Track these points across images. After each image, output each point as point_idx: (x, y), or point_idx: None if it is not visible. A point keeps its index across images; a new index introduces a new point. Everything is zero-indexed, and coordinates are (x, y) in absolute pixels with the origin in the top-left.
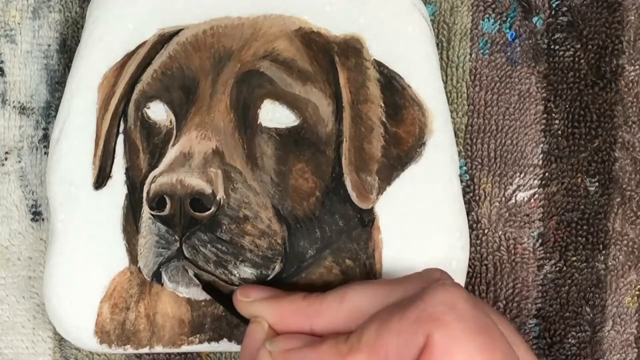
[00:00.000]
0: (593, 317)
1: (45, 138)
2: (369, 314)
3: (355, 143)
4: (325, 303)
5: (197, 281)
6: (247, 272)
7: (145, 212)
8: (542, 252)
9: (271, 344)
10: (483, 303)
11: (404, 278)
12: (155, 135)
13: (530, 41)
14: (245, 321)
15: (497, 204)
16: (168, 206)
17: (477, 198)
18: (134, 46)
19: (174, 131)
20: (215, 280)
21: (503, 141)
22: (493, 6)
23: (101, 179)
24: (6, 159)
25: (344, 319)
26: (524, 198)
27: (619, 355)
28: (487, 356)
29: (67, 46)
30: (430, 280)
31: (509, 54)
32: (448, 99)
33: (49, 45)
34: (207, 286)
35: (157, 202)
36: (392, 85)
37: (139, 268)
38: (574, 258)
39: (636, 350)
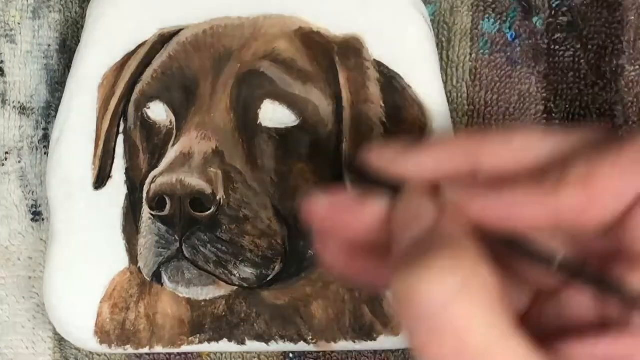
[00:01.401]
0: None
1: (45, 138)
2: (544, 157)
3: (355, 143)
4: (488, 139)
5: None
6: (247, 272)
7: (145, 212)
8: None
9: (452, 193)
10: None
11: (571, 131)
12: (155, 136)
13: (530, 41)
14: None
15: None
16: (168, 206)
17: None
18: (134, 46)
19: (174, 131)
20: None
21: None
22: (493, 6)
23: (101, 179)
24: (6, 159)
25: (513, 158)
26: None
27: None
28: None
29: (67, 46)
30: (622, 136)
31: (509, 54)
32: (448, 99)
33: (49, 45)
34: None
35: (157, 202)
36: (392, 85)
37: (139, 268)
38: None
39: None
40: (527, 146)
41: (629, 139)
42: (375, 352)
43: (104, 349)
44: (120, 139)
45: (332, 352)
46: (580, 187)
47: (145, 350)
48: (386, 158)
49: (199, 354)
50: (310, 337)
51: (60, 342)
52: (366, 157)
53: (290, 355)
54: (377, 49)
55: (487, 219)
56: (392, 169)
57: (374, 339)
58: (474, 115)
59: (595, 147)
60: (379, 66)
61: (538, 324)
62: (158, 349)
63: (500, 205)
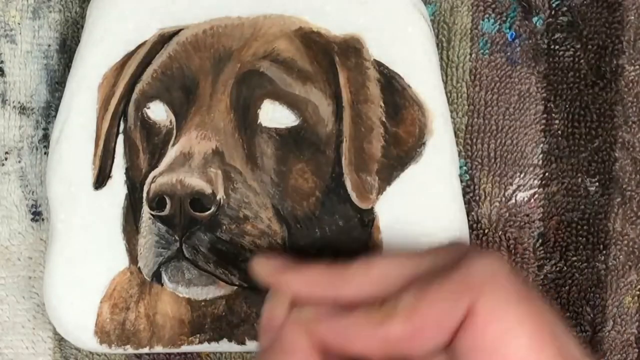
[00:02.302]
0: (593, 317)
1: (45, 138)
2: (398, 281)
3: (355, 143)
4: (351, 270)
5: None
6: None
7: (145, 212)
8: (542, 252)
9: (300, 311)
10: (519, 272)
11: (431, 249)
12: (155, 135)
13: (530, 41)
14: (261, 294)
15: (497, 204)
16: (168, 206)
17: (477, 198)
18: (134, 46)
19: (174, 131)
20: (228, 248)
21: (503, 141)
22: (493, 6)
23: (101, 179)
24: (6, 159)
25: (371, 287)
26: (524, 198)
27: (619, 356)
28: (536, 322)
29: (67, 46)
30: (460, 250)
31: (509, 54)
32: (448, 99)
33: (49, 45)
34: (220, 255)
35: (157, 202)
36: (392, 85)
37: (139, 268)
38: (574, 258)
39: (637, 350)
40: (385, 275)
41: (464, 260)
42: None
43: (104, 349)
44: (120, 139)
45: None
46: (405, 319)
47: (145, 350)
48: (266, 271)
49: (199, 354)
50: None
51: (60, 342)
52: (250, 267)
53: None
54: (377, 49)
55: (329, 341)
56: (270, 280)
57: None
58: (474, 115)
59: (433, 274)
60: (379, 66)
61: None
62: (158, 349)
63: (338, 331)
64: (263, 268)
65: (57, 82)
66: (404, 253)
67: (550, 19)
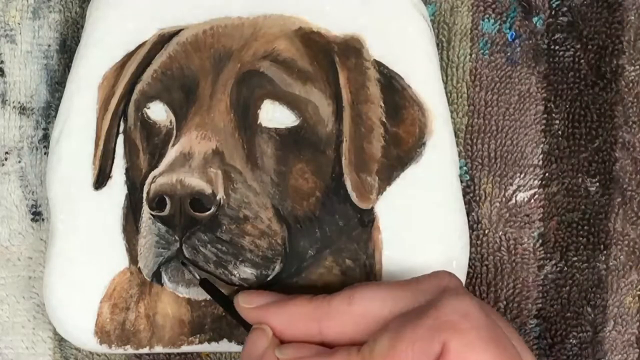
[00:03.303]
0: (594, 317)
1: (45, 138)
2: (379, 318)
3: (355, 143)
4: (333, 305)
5: (197, 277)
6: (247, 272)
7: (145, 212)
8: (542, 252)
9: (280, 351)
10: (491, 310)
11: (412, 281)
12: (155, 136)
13: (530, 41)
14: (247, 327)
15: (497, 204)
16: (168, 206)
17: (478, 198)
18: (134, 46)
19: (174, 131)
20: (216, 281)
21: (503, 141)
22: (493, 6)
23: (101, 179)
24: (6, 159)
25: (353, 322)
26: (524, 198)
27: (620, 356)
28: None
29: (67, 46)
30: (440, 284)
31: (509, 54)
32: (448, 99)
33: (49, 45)
34: (207, 288)
35: (157, 202)
36: (392, 85)
37: (139, 268)
38: (574, 258)
39: (637, 350)
40: (366, 312)
41: (439, 299)
42: None
43: (104, 349)
44: (120, 139)
45: None
46: None
47: (145, 350)
48: (249, 307)
49: (199, 354)
50: None
51: (60, 342)
52: (235, 302)
53: None
54: (377, 49)
55: None
56: (252, 316)
57: None
58: (474, 116)
59: (411, 311)
60: (379, 66)
61: None
62: (158, 349)
63: None
64: (246, 304)
65: (57, 82)
66: (385, 285)
67: (550, 19)
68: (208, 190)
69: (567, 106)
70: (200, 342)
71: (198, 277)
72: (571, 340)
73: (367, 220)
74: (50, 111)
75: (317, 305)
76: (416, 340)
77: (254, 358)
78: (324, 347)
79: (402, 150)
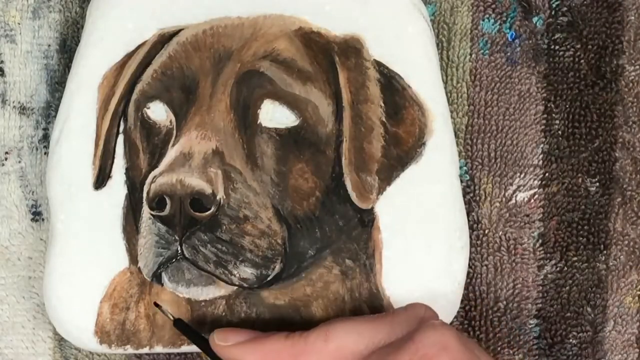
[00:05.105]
0: (594, 317)
1: (45, 138)
2: (356, 354)
3: (355, 143)
4: (309, 342)
5: (170, 318)
6: (247, 272)
7: (145, 212)
8: (542, 252)
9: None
10: (468, 340)
11: (388, 315)
12: (155, 135)
13: (530, 41)
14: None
15: (497, 204)
16: (168, 206)
17: (478, 198)
18: (134, 46)
19: (174, 131)
20: (189, 325)
21: (503, 141)
22: (493, 6)
23: (101, 179)
24: (6, 159)
25: (330, 359)
26: (524, 198)
27: (620, 356)
28: None
29: (67, 46)
30: (416, 315)
31: (509, 54)
32: (448, 99)
33: (49, 45)
34: (181, 328)
35: (157, 202)
36: (392, 85)
37: (139, 268)
38: (574, 258)
39: (637, 350)
40: (342, 348)
41: (417, 333)
42: None
43: (104, 349)
44: (120, 139)
45: None
46: None
47: (145, 350)
48: (225, 345)
49: (199, 354)
50: None
51: (60, 342)
52: (211, 340)
53: None
54: (377, 49)
55: None
56: (229, 355)
57: None
58: (474, 116)
59: (389, 346)
60: (379, 66)
61: None
62: (158, 348)
63: None
64: (222, 341)
65: (57, 82)
66: (361, 320)
67: (550, 19)
68: (208, 190)
69: (567, 106)
70: None
71: (172, 318)
72: (571, 340)
73: (367, 220)
74: (50, 111)
75: (294, 343)
76: None
77: None
78: None
79: (402, 150)
